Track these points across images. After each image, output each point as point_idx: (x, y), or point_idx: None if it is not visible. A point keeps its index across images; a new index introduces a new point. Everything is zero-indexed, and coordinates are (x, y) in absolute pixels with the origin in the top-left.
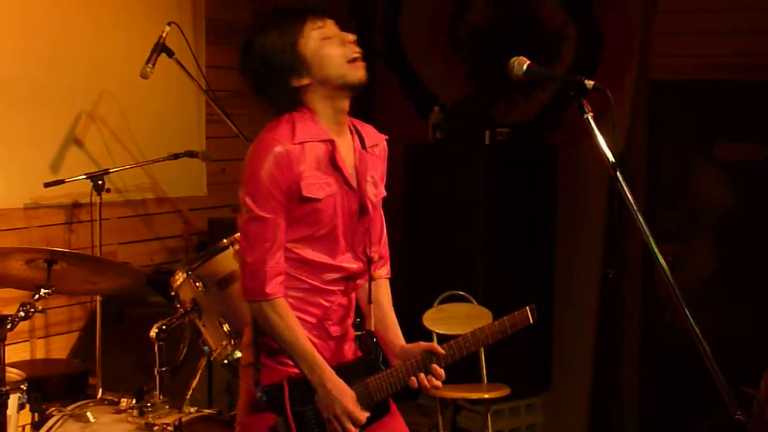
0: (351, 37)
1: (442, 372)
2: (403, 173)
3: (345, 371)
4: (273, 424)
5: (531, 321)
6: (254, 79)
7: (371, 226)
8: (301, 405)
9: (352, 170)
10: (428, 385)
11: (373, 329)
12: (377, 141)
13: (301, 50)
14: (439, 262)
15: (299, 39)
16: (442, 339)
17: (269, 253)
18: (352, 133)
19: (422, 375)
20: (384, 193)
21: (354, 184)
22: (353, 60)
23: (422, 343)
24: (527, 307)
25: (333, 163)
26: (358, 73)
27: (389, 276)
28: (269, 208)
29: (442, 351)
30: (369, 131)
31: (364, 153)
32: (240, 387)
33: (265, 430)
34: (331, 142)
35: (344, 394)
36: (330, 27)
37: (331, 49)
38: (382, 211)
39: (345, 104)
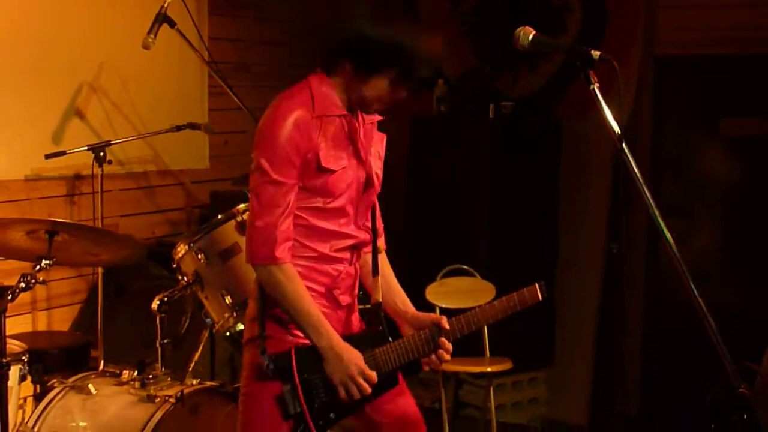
0: (402, 97)
1: (449, 346)
2: (407, 146)
3: (352, 342)
4: (280, 392)
5: (540, 298)
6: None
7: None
8: (309, 373)
9: (361, 144)
10: (439, 363)
11: (380, 300)
12: (372, 119)
13: (384, 70)
14: (442, 236)
15: (394, 73)
16: (445, 313)
17: (281, 218)
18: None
19: (433, 357)
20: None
21: (364, 157)
22: (377, 109)
23: (432, 315)
24: (536, 284)
25: (349, 137)
26: (371, 112)
27: (386, 248)
28: (286, 172)
29: (447, 326)
30: None
31: (368, 127)
32: (244, 359)
33: (272, 399)
34: (347, 116)
35: (354, 356)
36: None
37: (385, 90)
38: None
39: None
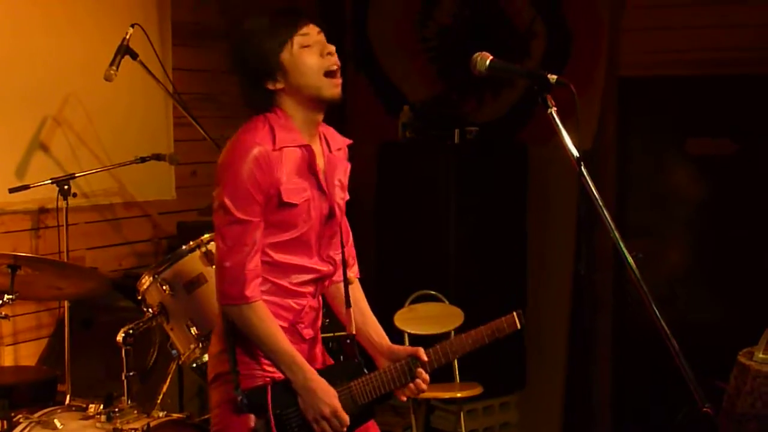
0: (331, 47)
1: (426, 377)
2: (374, 172)
3: (328, 375)
4: (253, 426)
5: (518, 326)
6: (237, 76)
7: (341, 229)
8: (283, 407)
9: (323, 175)
10: (416, 392)
11: (354, 332)
12: (340, 145)
13: (280, 56)
14: (410, 262)
15: (284, 46)
16: (414, 339)
17: (249, 257)
18: (320, 137)
19: (410, 385)
20: (347, 196)
21: (326, 188)
22: (330, 73)
23: (408, 348)
24: (514, 313)
25: (310, 168)
26: (333, 90)
27: (359, 275)
28: (250, 210)
29: (426, 358)
30: (333, 134)
31: (331, 156)
32: (211, 398)
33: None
34: (308, 147)
35: (328, 393)
36: (312, 34)
37: (309, 58)
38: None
39: (318, 116)
